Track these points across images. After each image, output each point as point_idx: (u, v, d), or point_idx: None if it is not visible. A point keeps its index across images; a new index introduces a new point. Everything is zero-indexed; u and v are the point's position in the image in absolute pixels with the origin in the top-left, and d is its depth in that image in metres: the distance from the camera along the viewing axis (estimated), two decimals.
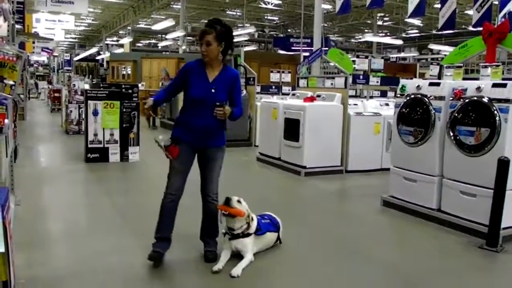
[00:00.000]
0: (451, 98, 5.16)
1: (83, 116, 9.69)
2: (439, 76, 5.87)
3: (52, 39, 21.47)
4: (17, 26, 9.14)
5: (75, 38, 42.29)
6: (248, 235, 3.99)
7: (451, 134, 5.09)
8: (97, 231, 4.83)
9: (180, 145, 3.82)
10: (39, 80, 29.79)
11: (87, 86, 9.81)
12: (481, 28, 6.76)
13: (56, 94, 18.17)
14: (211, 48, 3.76)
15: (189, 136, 3.84)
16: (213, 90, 3.80)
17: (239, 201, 3.99)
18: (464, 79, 5.66)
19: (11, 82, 2.94)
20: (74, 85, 12.15)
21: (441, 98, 5.27)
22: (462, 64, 6.06)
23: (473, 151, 4.86)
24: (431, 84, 5.50)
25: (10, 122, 3.28)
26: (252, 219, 4.06)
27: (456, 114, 5.04)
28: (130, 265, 3.84)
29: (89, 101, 8.32)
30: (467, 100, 4.97)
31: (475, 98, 4.89)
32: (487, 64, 5.62)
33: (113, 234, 4.65)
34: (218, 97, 3.78)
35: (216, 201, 4.00)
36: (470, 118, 4.93)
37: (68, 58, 27.34)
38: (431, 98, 5.37)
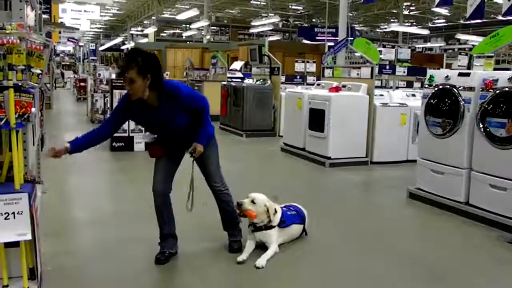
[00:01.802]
0: (481, 89, 5.02)
1: (109, 105, 9.81)
2: (469, 66, 5.72)
3: (78, 29, 21.69)
4: (44, 16, 9.22)
5: (100, 28, 42.64)
6: (271, 227, 3.97)
7: (481, 126, 4.96)
8: (122, 220, 4.88)
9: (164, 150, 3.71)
10: (65, 70, 30.16)
11: (114, 75, 9.87)
12: None
13: (82, 84, 18.40)
14: (136, 86, 3.26)
15: (171, 149, 3.73)
16: (165, 116, 3.46)
17: (253, 202, 3.91)
18: (494, 69, 5.51)
19: (38, 71, 2.94)
20: (99, 74, 12.25)
21: (471, 88, 5.14)
22: (493, 54, 5.90)
23: (504, 144, 4.72)
24: (460, 74, 5.37)
25: (37, 110, 3.30)
26: (276, 212, 4.02)
27: (486, 106, 4.91)
28: (155, 253, 3.84)
29: (114, 91, 8.41)
30: (498, 91, 4.83)
31: (507, 89, 4.75)
32: None
33: (138, 223, 4.67)
34: (175, 120, 3.51)
35: (224, 189, 3.91)
36: (501, 109, 4.79)
37: (93, 48, 27.60)
38: (460, 88, 5.24)
